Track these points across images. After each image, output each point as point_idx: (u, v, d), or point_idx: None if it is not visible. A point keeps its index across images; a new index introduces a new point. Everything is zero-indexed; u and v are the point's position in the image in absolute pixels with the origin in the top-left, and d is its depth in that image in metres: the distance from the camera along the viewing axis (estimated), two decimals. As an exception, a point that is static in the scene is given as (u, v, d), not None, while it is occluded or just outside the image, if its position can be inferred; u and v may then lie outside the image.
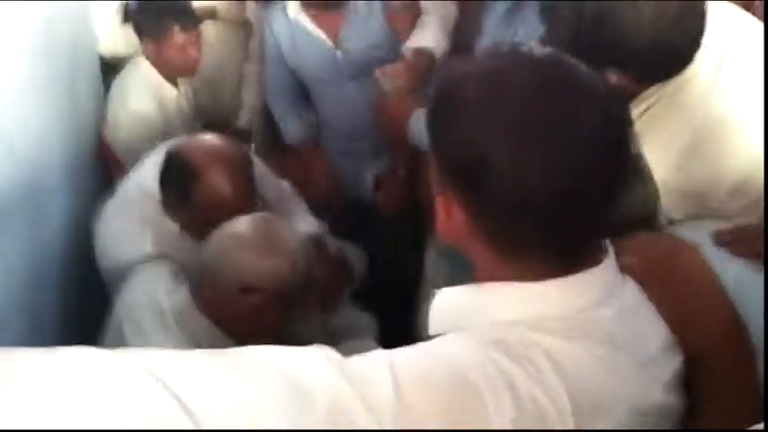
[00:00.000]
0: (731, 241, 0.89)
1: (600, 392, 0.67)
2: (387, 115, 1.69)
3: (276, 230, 1.37)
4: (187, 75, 2.23)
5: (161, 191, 1.55)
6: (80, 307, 1.86)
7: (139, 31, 2.13)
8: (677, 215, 1.15)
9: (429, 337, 0.78)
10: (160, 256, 1.50)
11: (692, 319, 0.77)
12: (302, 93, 2.11)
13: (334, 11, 1.90)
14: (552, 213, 0.67)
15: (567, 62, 0.73)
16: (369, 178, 2.13)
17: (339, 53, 1.95)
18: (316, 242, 1.74)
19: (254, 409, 0.58)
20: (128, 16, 2.21)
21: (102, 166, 2.22)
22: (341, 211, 2.19)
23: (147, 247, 1.51)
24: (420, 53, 1.83)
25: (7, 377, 0.54)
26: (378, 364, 0.65)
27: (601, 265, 0.72)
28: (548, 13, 1.18)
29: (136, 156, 1.82)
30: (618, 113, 0.72)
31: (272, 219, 1.43)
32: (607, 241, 0.76)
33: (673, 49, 1.07)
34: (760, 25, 1.24)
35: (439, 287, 0.80)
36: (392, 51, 1.91)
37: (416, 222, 2.03)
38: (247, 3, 2.40)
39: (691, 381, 0.76)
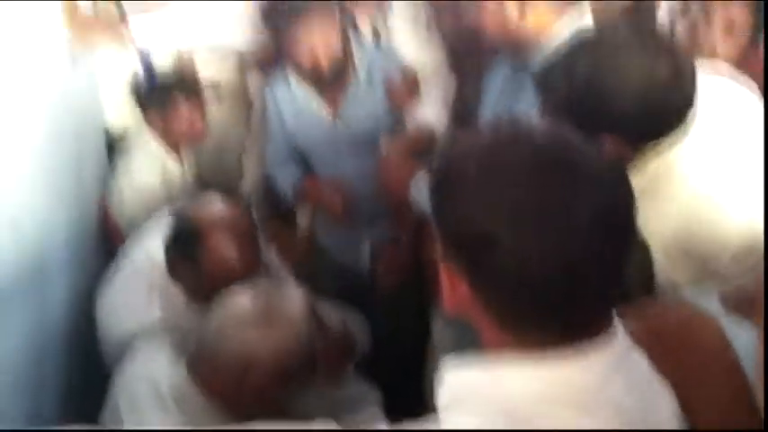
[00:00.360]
0: (737, 305, 0.89)
1: None
2: (388, 176, 1.71)
3: (277, 304, 1.35)
4: (193, 144, 2.28)
5: (166, 255, 1.56)
6: (82, 384, 1.84)
7: (145, 103, 2.19)
8: (680, 279, 1.15)
9: (436, 409, 0.77)
10: (167, 324, 1.50)
11: (705, 391, 0.76)
12: (303, 160, 2.14)
13: (334, 84, 1.94)
14: (554, 290, 0.68)
15: (567, 139, 0.75)
16: (366, 247, 2.14)
17: (338, 124, 1.99)
18: (315, 313, 1.73)
19: None
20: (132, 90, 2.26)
21: (106, 242, 2.24)
22: (336, 280, 2.20)
23: (156, 312, 1.52)
24: (421, 128, 1.89)
25: None
26: None
27: (608, 336, 0.72)
28: (540, 82, 1.21)
29: (136, 225, 1.84)
30: (620, 192, 0.73)
31: (272, 291, 1.40)
32: (614, 311, 0.76)
33: (664, 111, 1.09)
34: (745, 92, 1.27)
35: (446, 355, 0.80)
36: (391, 124, 1.97)
37: (418, 290, 2.03)
38: (249, 78, 2.47)
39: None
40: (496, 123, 0.79)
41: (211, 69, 2.46)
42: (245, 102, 2.53)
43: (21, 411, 1.51)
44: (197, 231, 1.51)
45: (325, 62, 1.84)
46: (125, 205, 2.08)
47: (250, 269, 1.57)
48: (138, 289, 1.56)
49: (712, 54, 1.65)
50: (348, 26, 1.99)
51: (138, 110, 2.23)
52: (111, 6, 2.32)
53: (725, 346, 0.84)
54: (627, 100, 1.07)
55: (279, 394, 1.33)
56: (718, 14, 1.68)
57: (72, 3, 1.87)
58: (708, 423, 0.75)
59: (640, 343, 0.76)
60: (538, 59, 1.45)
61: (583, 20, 1.47)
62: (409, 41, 2.05)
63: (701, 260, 1.15)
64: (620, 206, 0.72)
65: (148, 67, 2.42)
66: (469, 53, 1.97)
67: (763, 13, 1.64)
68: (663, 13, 1.90)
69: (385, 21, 2.03)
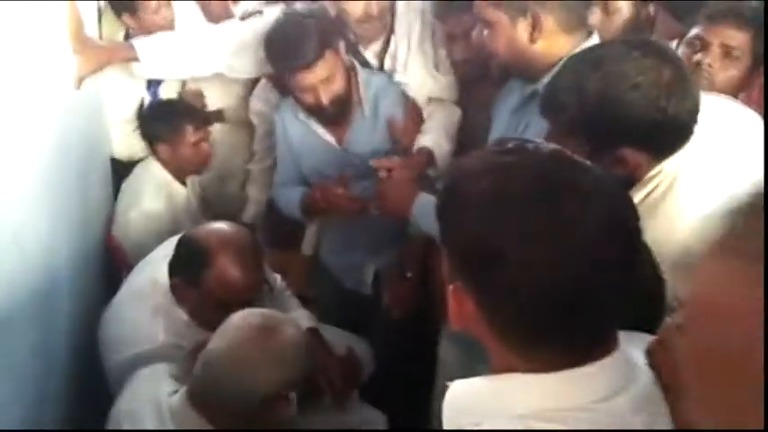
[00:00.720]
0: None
1: None
2: (389, 196, 1.72)
3: (277, 329, 1.33)
4: (200, 170, 2.31)
5: (172, 277, 1.57)
6: (84, 404, 1.82)
7: (151, 133, 2.21)
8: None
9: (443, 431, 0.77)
10: (171, 347, 1.49)
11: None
12: (308, 184, 2.13)
13: (337, 117, 1.95)
14: (560, 306, 0.68)
15: (571, 158, 0.75)
16: (369, 271, 2.14)
17: (343, 155, 1.99)
18: (320, 338, 1.74)
19: None
20: (139, 119, 2.29)
21: (109, 266, 2.25)
22: (339, 304, 2.19)
23: (160, 335, 1.52)
24: (419, 151, 1.90)
25: None
26: None
27: (613, 355, 0.72)
28: (547, 104, 1.21)
29: (144, 254, 1.84)
30: (624, 210, 0.73)
31: (272, 315, 1.39)
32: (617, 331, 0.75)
33: (678, 124, 1.11)
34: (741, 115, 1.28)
35: (452, 373, 0.79)
36: (396, 155, 1.97)
37: (423, 315, 2.03)
38: (251, 104, 2.49)
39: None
40: (502, 143, 0.80)
41: (214, 95, 2.49)
42: (246, 131, 2.56)
43: (23, 428, 1.50)
44: (203, 254, 1.51)
45: (326, 100, 1.85)
46: (130, 230, 2.09)
47: (254, 292, 1.58)
48: (143, 312, 1.56)
49: (711, 82, 1.66)
50: (353, 60, 2.00)
51: (144, 138, 2.25)
52: (117, 32, 2.37)
53: None
54: (638, 107, 1.09)
55: (282, 419, 1.32)
56: (717, 42, 1.68)
57: (79, 28, 1.88)
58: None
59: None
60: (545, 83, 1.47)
61: (590, 41, 1.49)
62: (415, 71, 2.05)
63: None
64: (626, 224, 0.72)
65: (154, 95, 2.46)
66: (479, 82, 1.98)
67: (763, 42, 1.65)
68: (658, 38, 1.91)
69: (393, 51, 2.04)
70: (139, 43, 2.03)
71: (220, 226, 1.62)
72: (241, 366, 1.26)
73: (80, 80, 1.92)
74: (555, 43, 1.45)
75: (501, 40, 1.48)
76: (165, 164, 2.22)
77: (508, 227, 0.69)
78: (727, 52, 1.67)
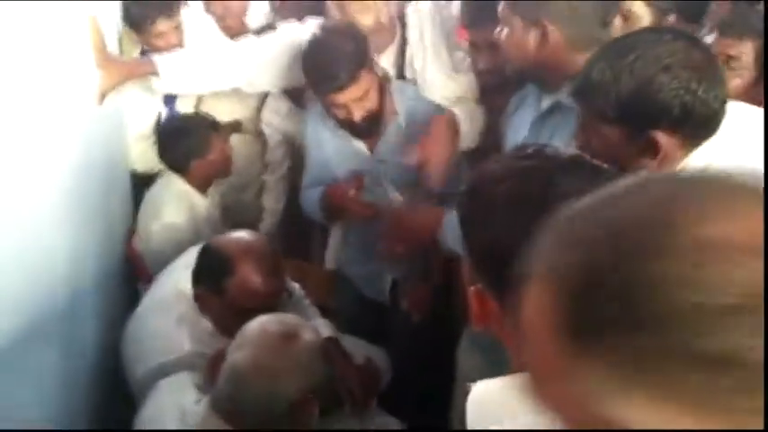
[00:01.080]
0: None
1: None
2: (416, 225, 1.72)
3: (298, 337, 1.35)
4: (223, 176, 2.35)
5: (195, 285, 1.60)
6: (107, 419, 1.85)
7: (184, 151, 2.23)
8: None
9: (466, 432, 0.78)
10: (196, 356, 1.52)
11: None
12: None
13: (369, 130, 1.94)
14: None
15: (590, 164, 0.78)
16: (386, 281, 2.16)
17: (374, 162, 1.99)
18: (340, 346, 1.75)
19: None
20: (163, 137, 2.31)
21: (131, 278, 2.28)
22: (358, 311, 2.22)
23: (186, 344, 1.54)
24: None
25: None
26: None
27: None
28: (581, 91, 1.23)
29: (164, 264, 1.88)
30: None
31: (293, 323, 1.40)
32: None
33: (708, 109, 1.13)
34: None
35: (471, 379, 0.81)
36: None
37: (441, 323, 2.04)
38: (263, 115, 2.53)
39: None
40: (522, 149, 0.82)
41: (228, 108, 2.53)
42: (260, 142, 2.60)
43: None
44: (225, 262, 1.55)
45: (358, 117, 1.85)
46: (152, 242, 2.12)
47: (276, 299, 1.61)
48: (168, 322, 1.59)
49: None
50: (387, 71, 2.00)
51: (175, 158, 2.27)
52: (135, 48, 2.42)
53: None
54: (670, 89, 1.11)
55: (307, 423, 1.34)
56: (720, 51, 1.70)
57: (101, 43, 1.93)
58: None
59: None
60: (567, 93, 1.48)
61: None
62: (433, 75, 2.07)
63: None
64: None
65: (171, 109, 2.51)
66: (499, 90, 1.97)
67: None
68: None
69: (410, 59, 2.06)
70: (160, 59, 2.07)
71: (241, 234, 1.66)
72: (266, 375, 1.28)
73: (102, 95, 1.96)
74: (564, 59, 1.47)
75: (512, 43, 1.51)
76: (194, 178, 2.25)
77: (527, 229, 0.72)
78: (731, 63, 1.69)
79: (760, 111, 1.32)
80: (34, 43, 1.47)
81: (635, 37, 1.22)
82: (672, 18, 2.05)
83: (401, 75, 2.08)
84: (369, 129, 1.91)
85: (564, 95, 1.51)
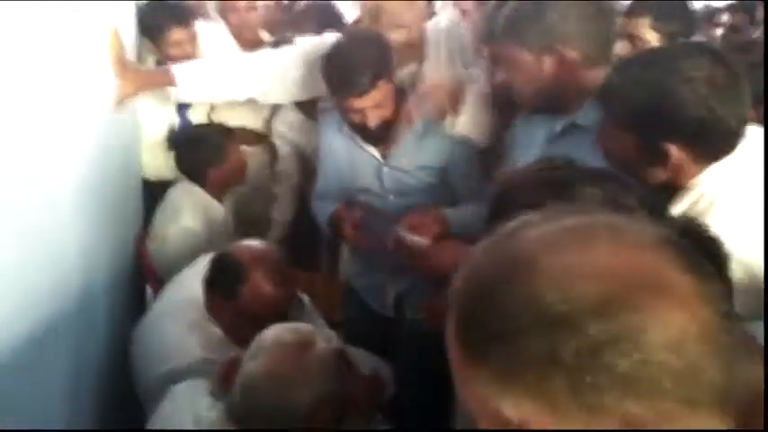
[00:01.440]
0: None
1: None
2: (439, 261, 1.68)
3: (312, 346, 1.36)
4: (239, 183, 2.39)
5: (207, 293, 1.62)
6: (114, 422, 1.85)
7: (201, 160, 2.29)
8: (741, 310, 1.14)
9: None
10: (207, 363, 1.52)
11: None
12: (348, 198, 2.16)
13: (384, 136, 1.95)
14: None
15: (615, 178, 0.80)
16: (390, 294, 2.17)
17: (386, 169, 2.01)
18: (346, 358, 1.77)
19: None
20: (179, 145, 2.35)
21: (140, 284, 2.30)
22: (363, 323, 2.23)
23: (197, 351, 1.55)
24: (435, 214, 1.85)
25: None
26: None
27: None
28: (603, 96, 1.25)
29: (177, 269, 1.90)
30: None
31: (307, 332, 1.40)
32: None
33: (725, 128, 1.14)
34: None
35: None
36: (440, 174, 1.99)
37: (443, 337, 2.05)
38: (274, 126, 2.56)
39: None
40: (551, 161, 0.85)
41: (240, 118, 2.57)
42: (269, 152, 2.63)
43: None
44: (238, 269, 1.57)
45: (373, 124, 1.87)
46: (167, 246, 2.14)
47: (287, 307, 1.64)
48: (179, 328, 1.60)
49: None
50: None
51: (192, 166, 2.31)
52: (150, 60, 2.46)
53: None
54: (687, 102, 1.12)
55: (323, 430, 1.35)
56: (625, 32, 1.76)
57: (121, 53, 1.96)
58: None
59: None
60: (583, 114, 1.51)
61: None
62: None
63: (755, 292, 1.16)
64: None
65: (183, 118, 2.54)
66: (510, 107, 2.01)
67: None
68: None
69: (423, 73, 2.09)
70: (177, 68, 2.10)
71: (254, 243, 1.68)
72: (281, 384, 1.29)
73: (119, 103, 1.99)
74: (581, 76, 1.49)
75: (525, 77, 1.52)
76: (210, 186, 2.28)
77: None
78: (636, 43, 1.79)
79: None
80: (53, 50, 1.48)
81: (662, 49, 1.24)
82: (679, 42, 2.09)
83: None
84: (381, 136, 1.93)
85: (579, 116, 1.53)
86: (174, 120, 2.50)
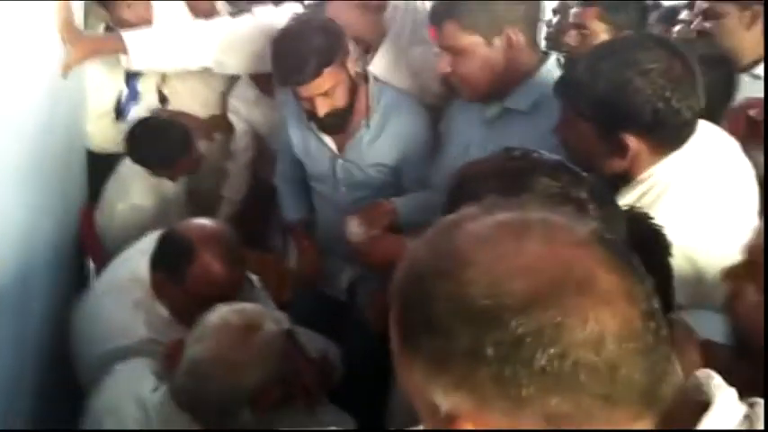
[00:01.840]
0: None
1: None
2: (377, 255, 1.71)
3: (259, 327, 1.33)
4: (193, 173, 2.36)
5: (153, 271, 1.56)
6: (53, 400, 1.80)
7: (146, 161, 2.23)
8: (682, 300, 1.17)
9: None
10: (152, 342, 1.49)
11: None
12: (305, 180, 2.17)
13: (336, 128, 1.93)
14: None
15: (571, 169, 0.81)
16: (345, 279, 2.16)
17: (340, 161, 1.99)
18: (295, 339, 1.75)
19: None
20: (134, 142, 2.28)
21: (80, 259, 2.23)
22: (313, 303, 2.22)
23: (141, 330, 1.51)
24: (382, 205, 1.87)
25: None
26: None
27: None
28: (563, 86, 1.26)
29: (125, 246, 1.83)
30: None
31: (253, 313, 1.38)
32: None
33: (681, 119, 1.18)
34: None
35: None
36: (392, 174, 1.97)
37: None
38: (230, 102, 2.51)
39: None
40: (509, 151, 0.85)
41: (194, 88, 2.49)
42: (225, 128, 2.57)
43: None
44: (186, 249, 1.52)
45: (321, 113, 1.83)
46: (115, 222, 2.09)
47: (236, 289, 1.59)
48: (123, 306, 1.55)
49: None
50: (367, 71, 1.98)
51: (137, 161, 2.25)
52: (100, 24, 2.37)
53: None
54: (644, 93, 1.15)
55: (267, 413, 1.34)
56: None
57: (69, 19, 1.88)
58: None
59: None
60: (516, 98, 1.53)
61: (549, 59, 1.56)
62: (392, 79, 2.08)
63: (697, 282, 1.19)
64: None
65: (132, 88, 2.46)
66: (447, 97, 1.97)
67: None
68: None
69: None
70: (129, 35, 2.02)
71: (203, 222, 1.63)
72: (227, 367, 1.26)
73: (67, 70, 1.91)
74: (523, 59, 1.52)
75: (476, 63, 1.51)
76: (168, 176, 2.25)
77: None
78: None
79: (716, 129, 1.37)
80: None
81: (620, 41, 1.26)
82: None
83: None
84: (333, 125, 1.90)
85: (511, 101, 1.55)
86: (123, 90, 2.42)
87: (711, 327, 0.96)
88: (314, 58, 1.75)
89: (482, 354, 0.51)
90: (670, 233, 1.01)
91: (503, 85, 1.54)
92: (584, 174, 0.84)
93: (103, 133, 2.40)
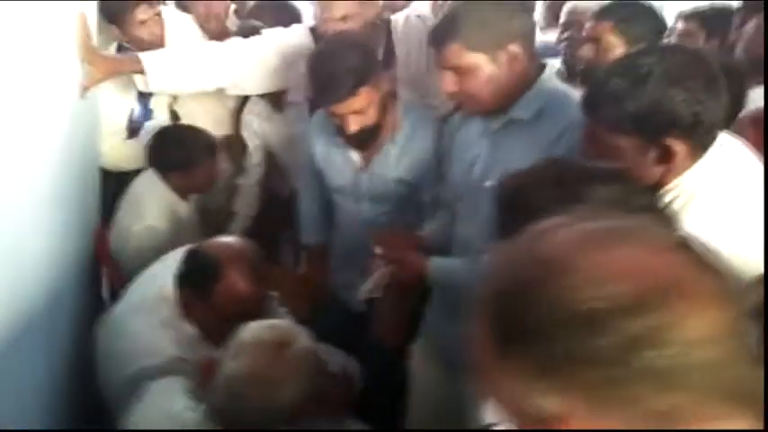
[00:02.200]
0: None
1: None
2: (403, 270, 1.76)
3: (294, 346, 1.34)
4: (207, 192, 2.36)
5: (179, 289, 1.57)
6: (80, 419, 1.80)
7: (166, 161, 2.24)
8: None
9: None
10: (181, 361, 1.49)
11: None
12: (327, 198, 2.17)
13: (365, 143, 1.93)
14: None
15: (624, 176, 0.83)
16: (363, 291, 2.17)
17: (365, 175, 2.00)
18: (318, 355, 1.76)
19: None
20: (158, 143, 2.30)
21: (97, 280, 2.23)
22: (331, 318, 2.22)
23: (169, 349, 1.51)
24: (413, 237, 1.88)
25: None
26: None
27: None
28: (596, 105, 1.27)
29: (140, 265, 1.84)
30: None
31: (283, 332, 1.39)
32: None
33: (715, 120, 1.21)
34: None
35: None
36: (413, 189, 1.99)
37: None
38: (244, 119, 2.52)
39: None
40: (553, 160, 0.87)
41: (206, 106, 2.51)
42: (239, 145, 2.58)
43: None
44: (213, 267, 1.52)
45: (352, 130, 1.85)
46: (131, 243, 2.09)
47: (260, 305, 1.60)
48: (150, 325, 1.55)
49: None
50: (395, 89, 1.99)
51: (154, 164, 2.26)
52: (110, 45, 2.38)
53: None
54: (686, 98, 1.18)
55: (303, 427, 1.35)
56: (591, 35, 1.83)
57: (88, 39, 1.89)
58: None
59: None
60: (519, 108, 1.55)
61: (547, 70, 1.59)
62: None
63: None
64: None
65: (144, 107, 2.48)
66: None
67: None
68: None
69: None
70: (146, 56, 2.04)
71: (229, 240, 1.65)
72: (266, 384, 1.27)
73: (85, 90, 1.92)
74: (524, 71, 1.54)
75: (481, 80, 1.52)
76: (173, 186, 2.23)
77: None
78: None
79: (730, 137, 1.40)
80: (16, 38, 1.42)
81: (645, 52, 1.29)
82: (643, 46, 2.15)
83: None
84: (361, 142, 1.91)
85: (515, 111, 1.56)
86: (136, 109, 2.43)
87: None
88: (350, 77, 1.77)
89: (591, 356, 0.52)
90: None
91: (506, 97, 1.56)
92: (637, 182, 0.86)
93: (116, 151, 2.41)
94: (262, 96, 2.42)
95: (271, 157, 2.59)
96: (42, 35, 1.59)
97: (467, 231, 1.69)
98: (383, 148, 1.96)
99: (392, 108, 1.95)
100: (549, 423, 0.55)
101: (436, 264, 1.71)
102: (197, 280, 1.56)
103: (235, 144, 2.57)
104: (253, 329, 1.36)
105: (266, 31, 2.26)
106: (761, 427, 0.54)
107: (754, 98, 1.83)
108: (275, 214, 2.68)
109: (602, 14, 2.13)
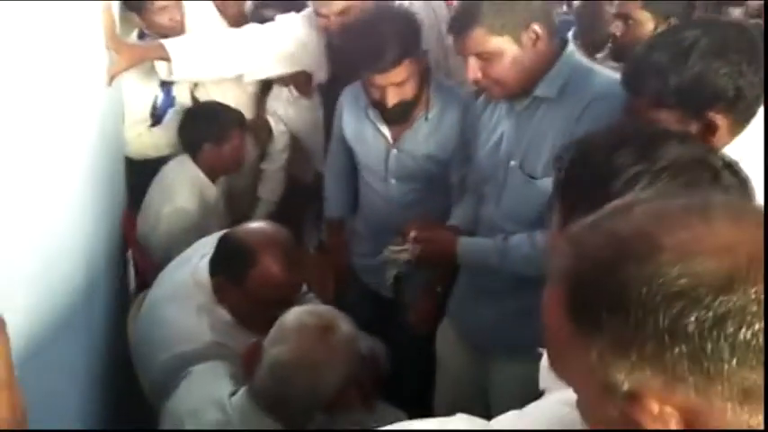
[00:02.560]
0: None
1: None
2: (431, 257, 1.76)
3: (337, 329, 1.35)
4: (234, 171, 2.36)
5: (214, 275, 1.58)
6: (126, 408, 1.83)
7: (200, 132, 2.25)
8: None
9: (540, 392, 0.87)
10: (218, 345, 1.51)
11: None
12: (354, 174, 2.17)
13: (399, 119, 1.92)
14: None
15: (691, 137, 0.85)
16: (390, 275, 2.17)
17: (395, 151, 1.99)
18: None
19: None
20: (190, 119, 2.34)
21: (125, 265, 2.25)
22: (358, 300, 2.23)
23: (206, 334, 1.52)
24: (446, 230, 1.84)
25: None
26: None
27: None
28: (639, 80, 1.27)
29: (170, 249, 1.87)
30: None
31: (325, 317, 1.38)
32: None
33: (757, 92, 1.21)
34: None
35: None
36: (442, 167, 1.98)
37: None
38: (269, 104, 2.52)
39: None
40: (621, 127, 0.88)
41: (228, 92, 2.51)
42: (265, 129, 2.58)
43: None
44: (247, 253, 1.53)
45: (391, 103, 1.83)
46: (162, 225, 2.09)
47: (294, 291, 1.62)
48: (187, 312, 1.56)
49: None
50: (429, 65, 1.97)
51: (188, 137, 2.29)
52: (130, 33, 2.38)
53: None
54: (726, 75, 1.18)
55: (349, 409, 1.36)
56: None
57: (113, 27, 1.90)
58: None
59: None
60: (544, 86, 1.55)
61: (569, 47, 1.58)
62: None
63: None
64: None
65: (167, 95, 2.48)
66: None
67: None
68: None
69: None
70: (170, 43, 2.05)
71: (263, 225, 1.65)
72: (311, 368, 1.28)
73: (112, 78, 1.93)
74: (547, 50, 1.54)
75: (506, 63, 1.52)
76: (203, 164, 2.24)
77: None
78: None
79: None
80: (44, 30, 1.42)
81: (685, 26, 1.28)
82: (673, 21, 2.11)
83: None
84: (398, 116, 1.89)
85: (540, 90, 1.56)
86: (159, 97, 2.44)
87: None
88: (396, 46, 1.74)
89: (680, 332, 0.52)
90: None
91: (531, 78, 1.56)
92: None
93: (141, 139, 2.42)
94: (287, 82, 2.41)
95: (295, 142, 2.59)
96: (69, 25, 1.58)
97: (492, 212, 1.69)
98: (414, 125, 1.95)
99: (426, 85, 1.93)
100: (626, 398, 0.56)
101: (465, 242, 1.72)
102: (231, 266, 1.56)
103: (260, 129, 2.57)
104: (296, 315, 1.37)
105: (279, 17, 2.26)
106: None
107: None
108: (298, 199, 2.69)
109: None
